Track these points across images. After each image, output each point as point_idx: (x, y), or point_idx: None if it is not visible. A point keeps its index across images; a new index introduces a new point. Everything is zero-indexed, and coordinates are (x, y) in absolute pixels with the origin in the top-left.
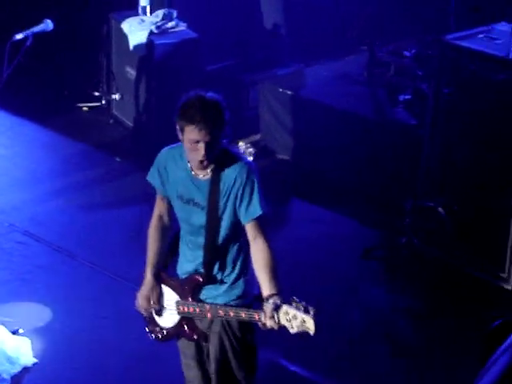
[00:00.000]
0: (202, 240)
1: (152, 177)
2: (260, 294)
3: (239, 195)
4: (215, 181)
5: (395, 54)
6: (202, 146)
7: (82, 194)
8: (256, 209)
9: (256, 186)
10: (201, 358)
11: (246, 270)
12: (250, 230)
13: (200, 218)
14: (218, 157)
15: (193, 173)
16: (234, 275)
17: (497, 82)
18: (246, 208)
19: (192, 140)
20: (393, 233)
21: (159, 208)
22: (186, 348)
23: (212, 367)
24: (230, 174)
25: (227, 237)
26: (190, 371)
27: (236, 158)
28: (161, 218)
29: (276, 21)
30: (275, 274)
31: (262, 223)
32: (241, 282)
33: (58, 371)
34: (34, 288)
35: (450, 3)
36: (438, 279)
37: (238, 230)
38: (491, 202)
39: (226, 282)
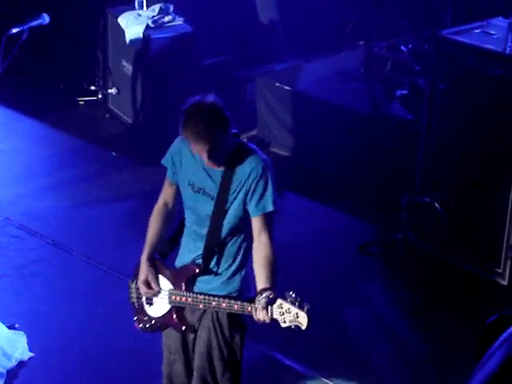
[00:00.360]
0: (205, 231)
1: (166, 162)
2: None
3: (251, 189)
4: (229, 173)
5: (392, 49)
6: (204, 154)
7: (78, 188)
8: (267, 204)
9: (270, 181)
10: (186, 353)
11: (245, 267)
12: (257, 224)
13: (207, 207)
14: (234, 151)
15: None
16: (231, 270)
17: (493, 77)
18: (256, 202)
19: (194, 150)
20: (389, 228)
21: (165, 194)
22: (171, 341)
23: (195, 363)
24: (245, 168)
25: (230, 230)
26: (175, 365)
27: (252, 152)
28: (165, 204)
29: (273, 16)
30: (273, 270)
31: (269, 220)
32: (237, 278)
33: (53, 365)
34: (29, 282)
35: None
36: (434, 275)
37: (241, 225)
38: (487, 198)
39: (222, 276)
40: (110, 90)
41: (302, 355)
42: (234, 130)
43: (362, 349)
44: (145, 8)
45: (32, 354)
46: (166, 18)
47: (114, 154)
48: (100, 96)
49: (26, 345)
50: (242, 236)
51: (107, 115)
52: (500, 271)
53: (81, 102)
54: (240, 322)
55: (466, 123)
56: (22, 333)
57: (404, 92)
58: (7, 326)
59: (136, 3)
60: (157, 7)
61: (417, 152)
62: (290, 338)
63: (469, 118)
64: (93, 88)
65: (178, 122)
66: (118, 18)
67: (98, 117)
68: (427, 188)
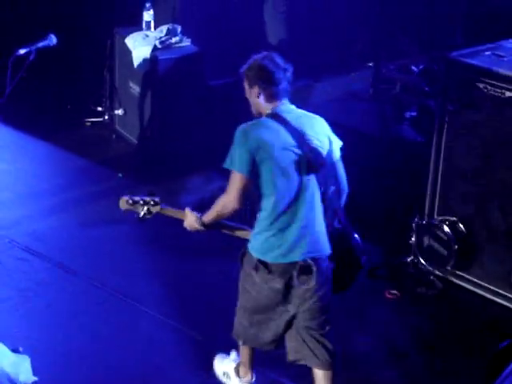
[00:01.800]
0: None
1: None
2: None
3: None
4: None
5: (402, 71)
6: None
7: (84, 209)
8: (225, 160)
9: (234, 145)
10: None
11: (258, 226)
12: None
13: None
14: None
15: None
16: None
17: (504, 99)
18: None
19: None
20: (398, 251)
21: None
22: None
23: None
24: None
25: None
26: None
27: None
28: None
29: (281, 36)
30: (212, 211)
31: (231, 177)
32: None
33: None
34: (33, 304)
35: (457, 20)
36: (443, 299)
37: (255, 186)
38: (498, 221)
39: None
40: (116, 111)
41: (310, 381)
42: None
43: (369, 373)
44: (152, 29)
45: (36, 378)
46: (174, 39)
47: (120, 175)
48: (106, 117)
49: (30, 369)
50: (255, 197)
51: (114, 136)
52: (511, 296)
53: (87, 123)
54: (254, 261)
55: (477, 145)
56: (26, 356)
57: (413, 114)
58: (11, 350)
59: (143, 24)
60: (164, 28)
61: (426, 174)
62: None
63: (479, 140)
64: (99, 109)
65: (184, 143)
66: (125, 38)
67: (105, 137)
68: (437, 210)
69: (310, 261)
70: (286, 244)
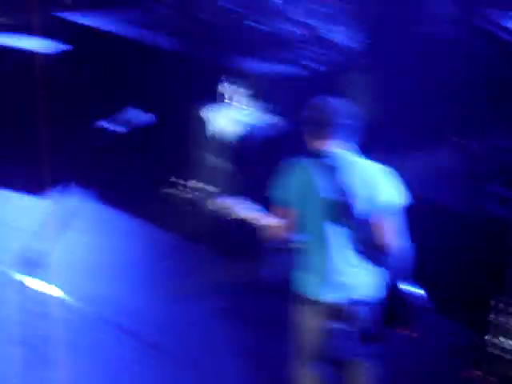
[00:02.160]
0: None
1: None
2: None
3: None
4: None
5: (488, 146)
6: None
7: (172, 283)
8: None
9: (277, 176)
10: None
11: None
12: None
13: None
14: None
15: None
16: None
17: None
18: None
19: None
20: (478, 330)
21: None
22: None
23: None
24: None
25: None
26: None
27: None
28: None
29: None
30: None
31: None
32: None
33: None
34: (121, 383)
35: None
36: None
37: None
38: None
39: None
40: (196, 185)
41: None
42: None
43: None
44: (238, 104)
45: None
46: (259, 116)
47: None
48: (187, 190)
49: None
50: None
51: (195, 209)
52: None
53: (168, 194)
54: (297, 295)
55: None
56: None
57: (500, 189)
58: None
59: (228, 99)
60: (250, 104)
61: (509, 251)
62: None
63: None
64: (180, 182)
65: None
66: (207, 111)
67: (187, 211)
68: None
69: (341, 303)
70: (315, 283)
